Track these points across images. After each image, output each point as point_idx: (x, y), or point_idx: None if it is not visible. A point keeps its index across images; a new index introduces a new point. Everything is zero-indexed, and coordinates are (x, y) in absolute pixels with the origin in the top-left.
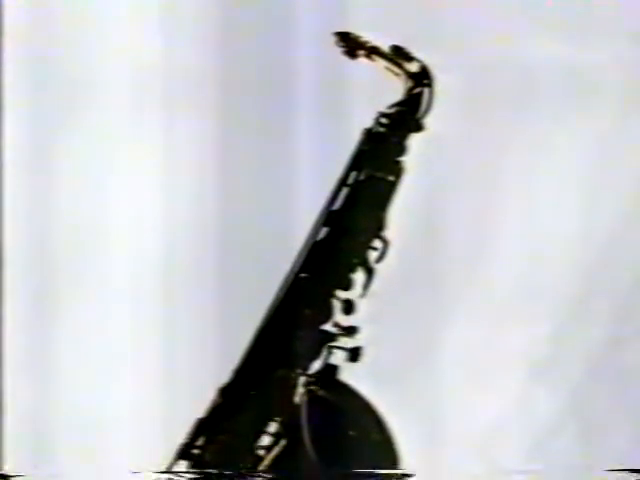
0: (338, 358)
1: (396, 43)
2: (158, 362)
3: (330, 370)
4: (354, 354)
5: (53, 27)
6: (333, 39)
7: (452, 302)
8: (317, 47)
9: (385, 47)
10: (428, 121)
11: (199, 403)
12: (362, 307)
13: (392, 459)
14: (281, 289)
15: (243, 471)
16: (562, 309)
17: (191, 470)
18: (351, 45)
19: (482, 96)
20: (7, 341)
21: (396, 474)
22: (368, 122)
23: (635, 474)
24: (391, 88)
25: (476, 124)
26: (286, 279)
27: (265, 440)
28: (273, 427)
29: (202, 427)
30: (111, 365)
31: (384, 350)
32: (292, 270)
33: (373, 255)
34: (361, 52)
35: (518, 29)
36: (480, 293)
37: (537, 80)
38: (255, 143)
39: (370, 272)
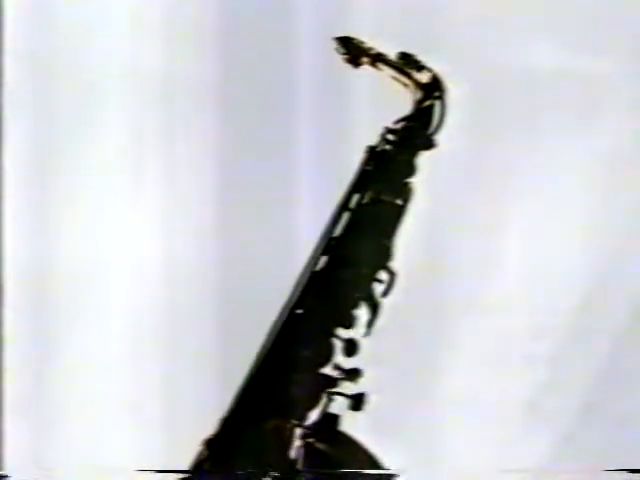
0: (339, 406)
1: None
2: (158, 404)
3: (330, 420)
4: (357, 401)
5: (54, 41)
6: (334, 45)
7: (453, 339)
8: (319, 56)
9: (392, 54)
10: (439, 137)
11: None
12: (366, 347)
13: None
14: (274, 327)
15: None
16: (562, 347)
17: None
18: (354, 52)
19: (487, 107)
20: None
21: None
22: (373, 139)
23: (635, 474)
24: (398, 100)
25: (481, 139)
26: (280, 316)
27: None
28: None
29: None
30: (111, 405)
31: (387, 397)
32: (287, 305)
33: (378, 288)
34: (365, 59)
35: (525, 38)
36: (481, 331)
37: (544, 91)
38: (254, 159)
39: (375, 308)
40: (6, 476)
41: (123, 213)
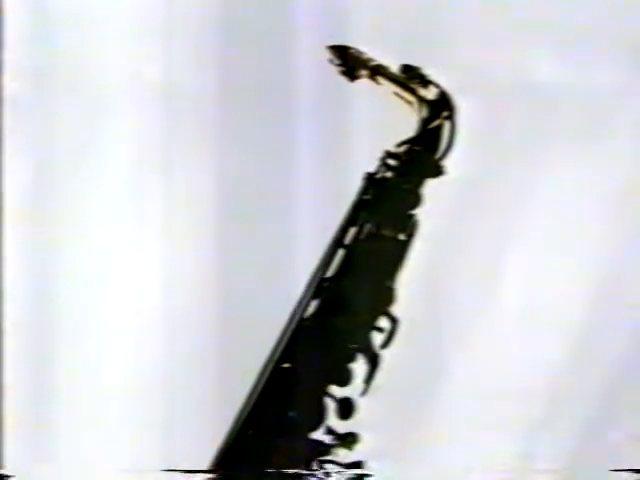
0: (332, 476)
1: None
2: (158, 411)
3: None
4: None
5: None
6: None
7: (452, 396)
8: (319, 67)
9: (394, 66)
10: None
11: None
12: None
13: None
14: (257, 383)
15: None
16: (559, 378)
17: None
18: (351, 63)
19: (490, 125)
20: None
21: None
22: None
23: (636, 474)
24: (406, 119)
25: (484, 161)
26: (264, 370)
27: None
28: None
29: None
30: (111, 409)
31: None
32: (272, 358)
33: (377, 338)
34: (363, 72)
35: (531, 53)
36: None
37: (549, 108)
38: (254, 170)
39: (374, 361)
40: (7, 476)
41: (124, 231)
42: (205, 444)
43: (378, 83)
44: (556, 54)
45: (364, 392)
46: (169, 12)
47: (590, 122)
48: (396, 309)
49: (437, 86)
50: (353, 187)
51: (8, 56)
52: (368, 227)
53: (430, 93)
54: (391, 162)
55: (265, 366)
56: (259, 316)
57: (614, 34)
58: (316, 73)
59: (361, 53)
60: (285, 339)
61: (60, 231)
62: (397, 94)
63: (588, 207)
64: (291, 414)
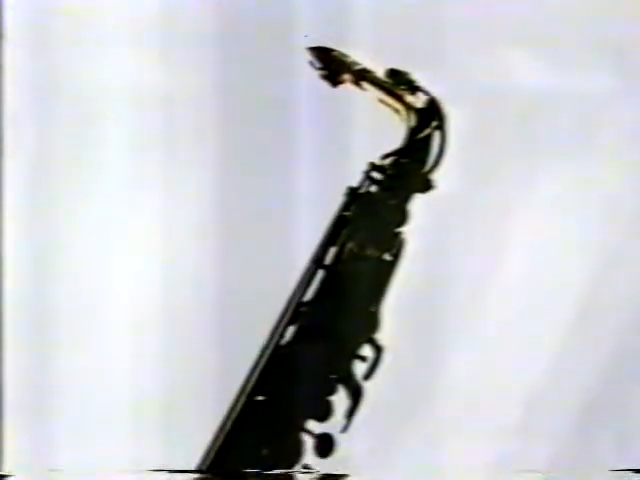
0: None
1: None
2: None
3: None
4: None
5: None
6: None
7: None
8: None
9: (380, 71)
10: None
11: None
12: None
13: None
14: (227, 418)
15: None
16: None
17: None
18: (334, 66)
19: (479, 133)
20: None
21: None
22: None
23: (637, 474)
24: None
25: (474, 171)
26: (235, 403)
27: None
28: None
29: None
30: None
31: None
32: (244, 390)
33: (360, 368)
34: (347, 76)
35: (518, 60)
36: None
37: (539, 114)
38: (254, 176)
39: (356, 393)
40: (7, 476)
41: (123, 234)
42: (204, 443)
43: (362, 89)
44: (547, 61)
45: (345, 428)
46: (168, 13)
47: (580, 128)
48: (381, 336)
49: (426, 93)
50: None
51: (8, 57)
52: (350, 246)
53: (418, 100)
54: (376, 175)
55: (237, 398)
56: (259, 314)
57: (601, 40)
58: (316, 74)
59: (344, 56)
60: (259, 369)
61: (60, 230)
62: (383, 101)
63: (581, 216)
64: (265, 452)
